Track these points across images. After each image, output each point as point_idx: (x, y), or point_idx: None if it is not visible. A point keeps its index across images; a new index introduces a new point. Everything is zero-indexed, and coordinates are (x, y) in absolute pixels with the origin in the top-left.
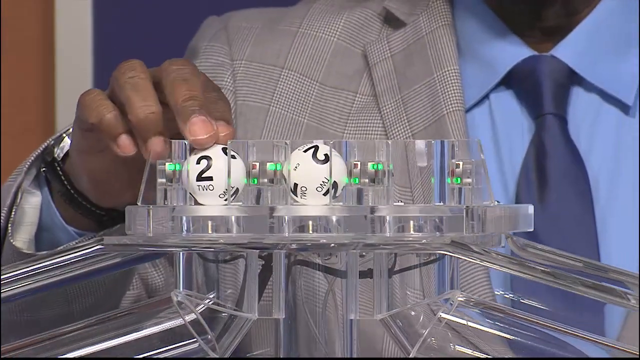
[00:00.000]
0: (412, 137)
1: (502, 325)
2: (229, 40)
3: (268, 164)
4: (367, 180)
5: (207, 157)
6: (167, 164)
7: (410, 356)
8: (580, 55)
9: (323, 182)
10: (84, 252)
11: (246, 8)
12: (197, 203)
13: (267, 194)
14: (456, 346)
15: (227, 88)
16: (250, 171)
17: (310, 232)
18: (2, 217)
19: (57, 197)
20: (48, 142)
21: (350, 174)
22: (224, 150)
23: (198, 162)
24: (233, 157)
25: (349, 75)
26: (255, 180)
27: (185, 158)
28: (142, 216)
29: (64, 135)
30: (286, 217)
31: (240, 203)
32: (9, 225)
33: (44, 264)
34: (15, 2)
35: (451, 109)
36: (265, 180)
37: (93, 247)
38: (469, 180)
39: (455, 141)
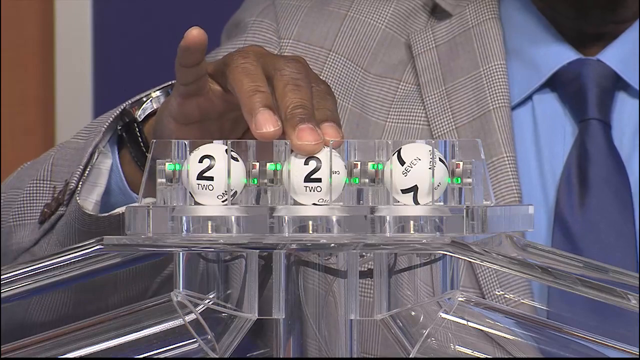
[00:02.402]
0: (456, 130)
1: (503, 325)
2: (277, 18)
3: (268, 164)
4: (367, 180)
5: (210, 157)
6: (167, 163)
7: (411, 356)
8: (626, 60)
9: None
10: (84, 252)
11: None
12: (195, 201)
13: (267, 194)
14: (456, 346)
15: None
16: (250, 171)
17: (311, 232)
18: (75, 176)
19: (128, 161)
20: (125, 104)
21: (350, 174)
22: (227, 151)
23: (200, 161)
24: (235, 159)
25: (393, 64)
26: (255, 180)
27: (185, 158)
28: (142, 216)
29: (144, 99)
30: (286, 217)
31: (240, 203)
32: (80, 184)
33: (44, 264)
34: (15, 2)
35: (497, 105)
36: (265, 180)
37: (93, 247)
38: (469, 180)
39: (455, 141)
